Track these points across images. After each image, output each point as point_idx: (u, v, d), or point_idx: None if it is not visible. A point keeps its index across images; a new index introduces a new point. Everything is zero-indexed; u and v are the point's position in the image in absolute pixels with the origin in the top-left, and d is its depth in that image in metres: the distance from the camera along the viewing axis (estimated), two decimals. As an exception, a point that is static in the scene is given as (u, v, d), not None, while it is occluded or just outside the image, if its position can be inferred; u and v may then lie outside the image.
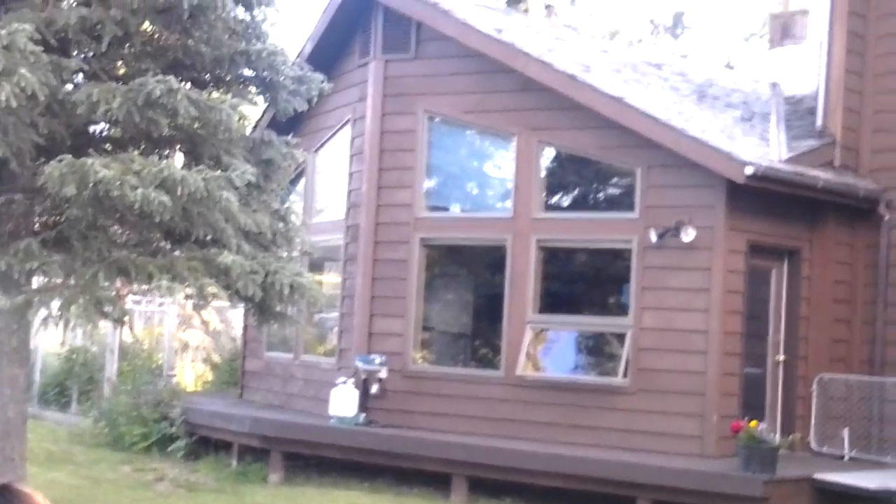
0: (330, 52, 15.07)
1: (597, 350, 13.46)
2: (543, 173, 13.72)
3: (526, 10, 28.35)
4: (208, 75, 10.24)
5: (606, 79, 13.52)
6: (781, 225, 13.00)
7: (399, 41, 14.34)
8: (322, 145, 15.84)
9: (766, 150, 12.92)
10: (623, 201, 13.23)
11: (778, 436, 12.02)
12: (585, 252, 13.72)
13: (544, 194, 13.68)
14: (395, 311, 14.06)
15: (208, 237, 9.36)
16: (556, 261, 13.80)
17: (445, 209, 14.76)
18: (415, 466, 12.92)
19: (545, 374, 13.30)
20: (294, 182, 15.83)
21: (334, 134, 15.56)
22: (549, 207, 13.74)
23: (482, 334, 14.44)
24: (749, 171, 11.72)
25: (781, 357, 13.28)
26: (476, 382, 13.56)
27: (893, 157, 13.54)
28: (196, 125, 9.23)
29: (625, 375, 12.63)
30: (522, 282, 13.32)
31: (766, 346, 13.24)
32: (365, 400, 13.55)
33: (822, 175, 12.79)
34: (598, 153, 13.19)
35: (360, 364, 13.66)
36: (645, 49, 20.13)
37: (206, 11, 9.45)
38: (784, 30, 19.84)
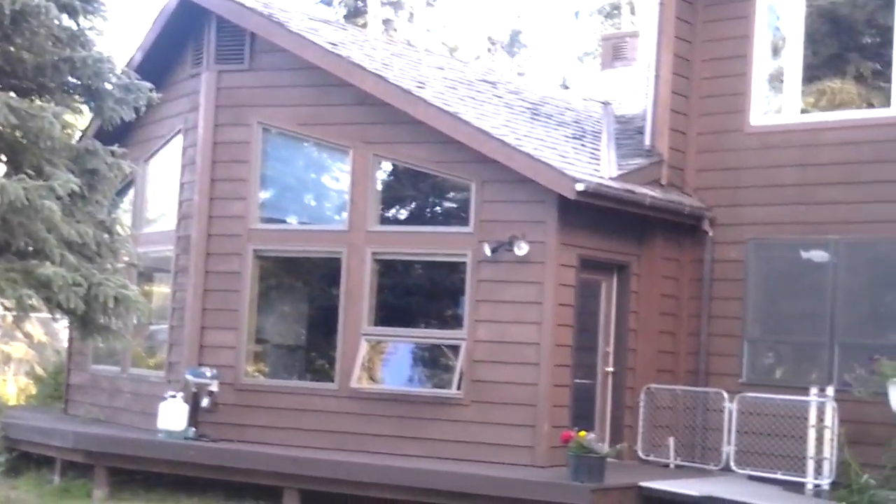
0: (161, 62, 14.85)
1: (432, 362, 13.56)
2: (379, 187, 13.79)
3: (364, 25, 28.43)
4: (31, 83, 9.92)
5: (442, 94, 13.67)
6: (611, 240, 13.34)
7: (233, 52, 14.23)
8: (153, 155, 15.57)
9: (596, 168, 13.25)
10: (458, 215, 13.38)
11: (606, 445, 12.31)
12: (421, 265, 13.83)
13: (380, 207, 13.75)
14: (227, 324, 13.91)
15: (30, 248, 9.06)
16: (392, 273, 13.86)
17: (281, 221, 14.66)
18: (246, 480, 12.82)
19: (380, 387, 13.34)
20: (124, 192, 15.50)
21: (165, 144, 15.31)
22: (385, 221, 13.81)
23: (317, 347, 14.39)
24: (580, 187, 12.02)
25: (611, 368, 13.61)
26: (310, 395, 13.51)
27: (717, 176, 14.07)
28: (17, 133, 8.93)
29: (459, 387, 12.75)
30: (357, 294, 13.34)
31: (596, 358, 13.55)
32: (195, 414, 13.39)
33: (650, 193, 13.19)
34: (433, 168, 13.31)
35: (190, 377, 13.47)
36: (481, 66, 20.44)
37: (28, 17, 9.18)
38: (615, 51, 20.45)
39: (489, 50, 34.85)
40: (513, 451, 12.38)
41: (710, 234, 13.91)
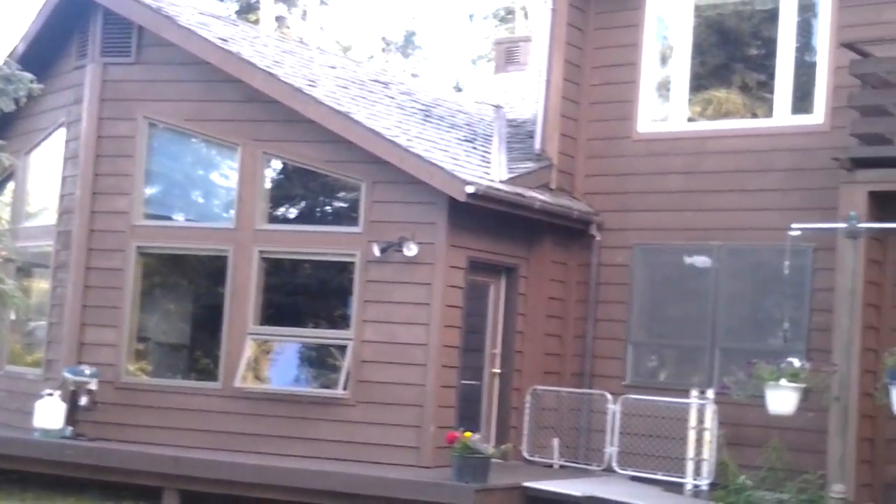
0: (46, 53, 14.52)
1: (320, 362, 13.48)
2: (269, 185, 13.67)
3: (256, 21, 28.15)
4: None
5: (334, 94, 13.60)
6: (500, 243, 13.42)
7: (120, 45, 13.99)
8: (34, 147, 15.20)
9: (487, 171, 13.32)
10: (348, 215, 13.33)
11: (492, 446, 12.38)
12: (310, 264, 13.74)
13: (269, 206, 13.63)
14: (108, 321, 13.67)
15: None
16: (280, 273, 13.74)
17: (167, 218, 14.42)
18: (125, 480, 12.64)
19: (265, 386, 13.21)
20: (3, 185, 15.09)
21: (48, 136, 14.96)
22: (274, 219, 13.68)
23: (202, 345, 14.19)
24: (470, 189, 12.07)
25: (497, 370, 13.69)
26: (194, 394, 13.34)
27: (605, 181, 14.25)
28: None
29: (345, 387, 12.71)
30: (244, 293, 13.20)
31: (483, 360, 13.61)
32: (73, 413, 13.11)
33: (540, 196, 13.30)
34: (324, 167, 13.24)
35: (68, 375, 13.19)
36: (374, 66, 20.39)
37: None
38: (508, 55, 20.59)
39: (383, 50, 34.81)
40: (399, 452, 12.37)
41: (598, 238, 14.09)
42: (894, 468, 11.92)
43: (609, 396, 13.31)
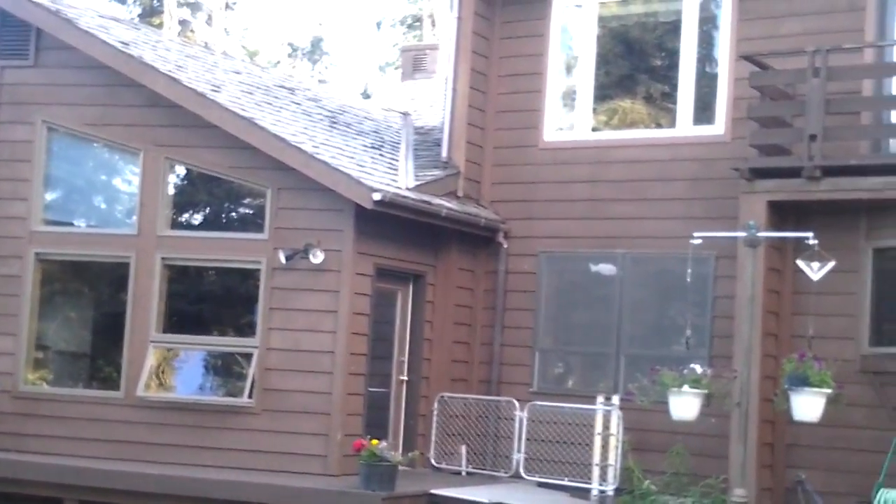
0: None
1: (225, 370, 13.33)
2: (172, 191, 13.50)
3: (160, 25, 27.76)
4: None
5: (238, 99, 13.47)
6: (408, 250, 13.42)
7: (17, 47, 13.75)
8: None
9: (394, 178, 13.31)
10: (254, 222, 13.21)
11: (399, 453, 12.33)
12: (215, 271, 13.59)
13: (172, 212, 13.45)
14: (5, 329, 13.43)
15: None
16: (184, 280, 13.56)
17: (67, 224, 14.14)
18: (25, 492, 12.39)
19: (168, 395, 13.03)
20: None
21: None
22: (177, 225, 13.52)
23: (104, 354, 13.92)
24: (377, 196, 12.05)
25: (405, 377, 13.67)
26: (95, 404, 13.15)
27: (512, 189, 14.33)
28: None
29: (250, 396, 12.59)
30: (146, 300, 13.02)
31: (390, 367, 13.58)
32: (-30, 424, 12.75)
33: (447, 204, 13.33)
34: (228, 173, 13.11)
35: (-35, 386, 12.83)
36: (280, 72, 20.21)
37: None
38: (416, 63, 20.60)
39: (290, 56, 34.58)
40: (305, 461, 12.30)
41: (505, 245, 14.16)
42: (794, 472, 12.17)
43: (516, 403, 13.37)
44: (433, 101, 17.27)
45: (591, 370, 13.91)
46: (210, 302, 13.70)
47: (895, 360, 11.62)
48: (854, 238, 12.07)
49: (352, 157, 13.31)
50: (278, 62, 33.83)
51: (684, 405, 10.06)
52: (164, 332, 13.13)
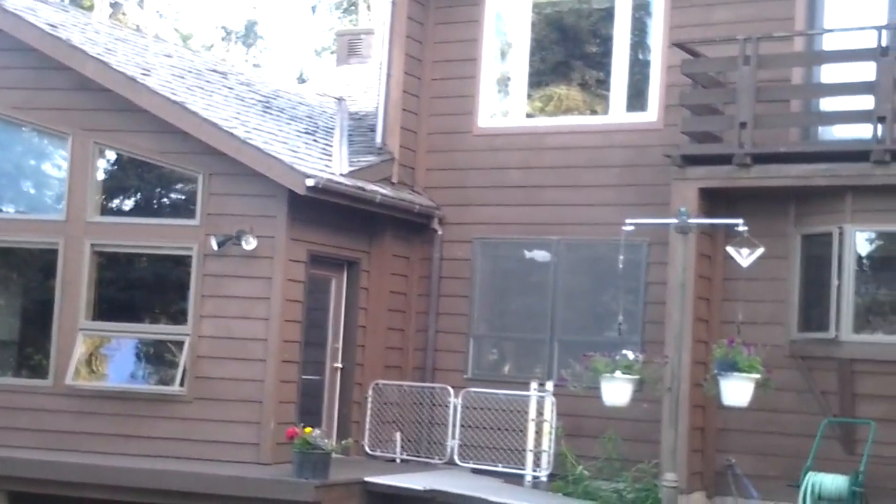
0: None
1: (156, 358, 13.17)
2: (102, 176, 13.30)
3: (90, 8, 27.31)
4: None
5: (169, 83, 13.28)
6: (342, 236, 13.35)
7: (-59, 27, 13.35)
8: None
9: (328, 164, 13.23)
10: (185, 208, 13.07)
11: (333, 441, 12.30)
12: (146, 258, 13.41)
13: (102, 198, 13.26)
14: (-70, 318, 13.10)
15: None
16: (114, 266, 13.38)
17: (-6, 209, 13.88)
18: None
19: (98, 384, 12.85)
20: None
21: None
22: (107, 211, 13.33)
23: (32, 342, 13.69)
24: (310, 182, 11.97)
25: (339, 364, 13.61)
26: (23, 392, 12.94)
27: (446, 175, 14.31)
28: None
29: (182, 384, 12.46)
30: (75, 287, 12.83)
31: (325, 354, 13.53)
32: None
33: (381, 190, 13.27)
34: (159, 158, 12.94)
35: None
36: (213, 56, 19.96)
37: None
38: (351, 48, 20.47)
39: (223, 40, 34.20)
40: (238, 449, 12.21)
41: (440, 232, 14.14)
42: (724, 456, 12.32)
43: (451, 390, 13.38)
44: (368, 87, 17.18)
45: (525, 356, 13.95)
46: (141, 289, 13.52)
47: (823, 345, 11.80)
48: (783, 225, 12.23)
49: (285, 143, 13.20)
50: (212, 46, 33.45)
51: (616, 391, 10.14)
52: (94, 319, 12.93)
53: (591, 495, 11.96)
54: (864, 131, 11.76)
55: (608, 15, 13.88)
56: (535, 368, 13.53)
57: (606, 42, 13.92)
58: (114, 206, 13.56)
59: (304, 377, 12.85)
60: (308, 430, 11.32)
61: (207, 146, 12.39)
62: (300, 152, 13.11)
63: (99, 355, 13.15)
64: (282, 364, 12.37)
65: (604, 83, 13.94)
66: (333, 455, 11.51)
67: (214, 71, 15.70)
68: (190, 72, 14.69)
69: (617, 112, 13.61)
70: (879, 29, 11.53)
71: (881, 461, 11.37)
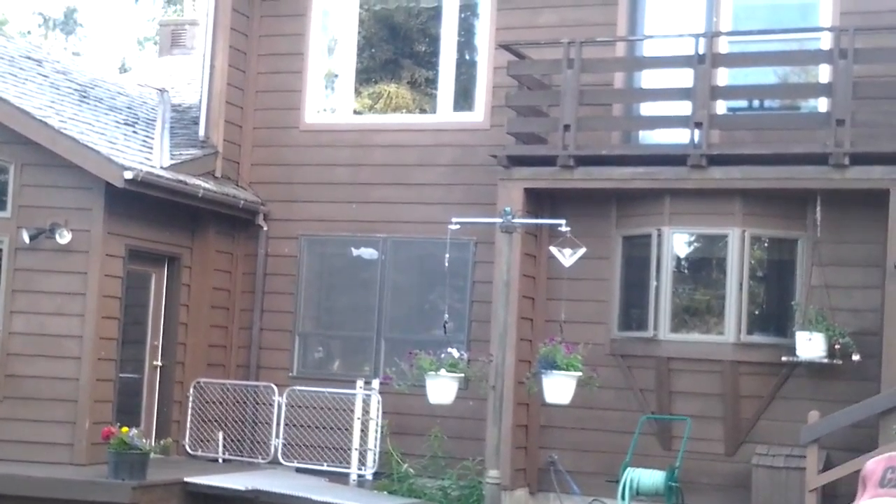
0: None
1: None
2: None
3: None
4: None
5: (-22, 69, 12.69)
6: (163, 231, 13.02)
7: None
8: None
9: (148, 157, 12.88)
10: (-4, 199, 12.50)
11: (152, 441, 12.00)
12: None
13: None
14: None
15: None
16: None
17: None
18: None
19: None
20: None
21: None
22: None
23: None
24: (128, 175, 11.66)
25: (159, 362, 13.27)
26: None
27: (272, 171, 14.10)
28: None
29: (-9, 384, 11.92)
30: None
31: (144, 352, 13.18)
32: None
33: (204, 184, 12.99)
34: (-32, 147, 12.32)
35: None
36: (26, 43, 19.13)
37: None
38: (174, 38, 19.97)
39: (41, 27, 32.95)
40: (52, 450, 11.80)
41: (265, 228, 13.94)
42: (547, 453, 12.51)
43: (275, 388, 13.21)
44: (192, 79, 16.75)
45: (352, 354, 13.88)
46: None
47: (642, 343, 12.11)
48: (605, 226, 12.49)
49: (103, 134, 12.77)
50: (28, 32, 32.16)
51: (441, 389, 10.17)
52: None
53: (416, 493, 11.99)
54: (682, 136, 12.11)
55: (436, 14, 13.93)
56: (362, 366, 13.47)
57: (435, 41, 13.97)
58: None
59: (121, 375, 12.49)
60: (125, 429, 11.02)
61: (19, 135, 11.93)
62: (119, 144, 12.71)
63: None
64: (98, 362, 11.99)
65: (433, 82, 13.97)
66: (152, 455, 11.28)
67: (29, 58, 15.05)
68: (2, 58, 14.04)
69: (445, 111, 13.66)
70: (697, 37, 11.89)
71: (696, 456, 11.74)
